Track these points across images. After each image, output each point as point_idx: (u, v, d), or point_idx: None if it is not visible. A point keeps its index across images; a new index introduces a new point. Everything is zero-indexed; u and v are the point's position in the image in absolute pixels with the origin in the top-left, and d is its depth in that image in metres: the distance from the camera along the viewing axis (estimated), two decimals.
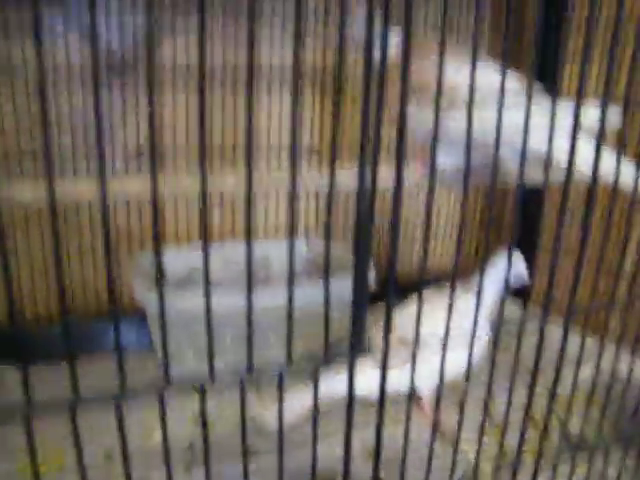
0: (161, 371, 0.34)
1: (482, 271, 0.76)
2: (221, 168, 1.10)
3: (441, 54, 0.36)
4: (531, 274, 0.89)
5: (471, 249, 1.38)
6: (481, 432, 0.50)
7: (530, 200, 1.13)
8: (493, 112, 0.39)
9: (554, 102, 0.40)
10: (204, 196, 0.29)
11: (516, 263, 0.87)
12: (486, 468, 0.73)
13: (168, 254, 1.07)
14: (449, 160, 0.68)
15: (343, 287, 0.48)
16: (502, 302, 0.49)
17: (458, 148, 0.63)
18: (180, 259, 1.07)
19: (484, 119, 0.48)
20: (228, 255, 1.07)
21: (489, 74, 0.60)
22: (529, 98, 0.39)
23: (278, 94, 1.12)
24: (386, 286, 0.36)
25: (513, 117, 0.40)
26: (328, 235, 0.35)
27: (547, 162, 0.41)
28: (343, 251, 1.07)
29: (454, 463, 0.49)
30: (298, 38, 0.29)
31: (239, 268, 1.07)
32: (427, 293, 0.76)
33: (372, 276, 0.97)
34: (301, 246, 1.19)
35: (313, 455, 0.40)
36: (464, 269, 0.92)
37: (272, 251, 1.14)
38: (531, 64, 0.37)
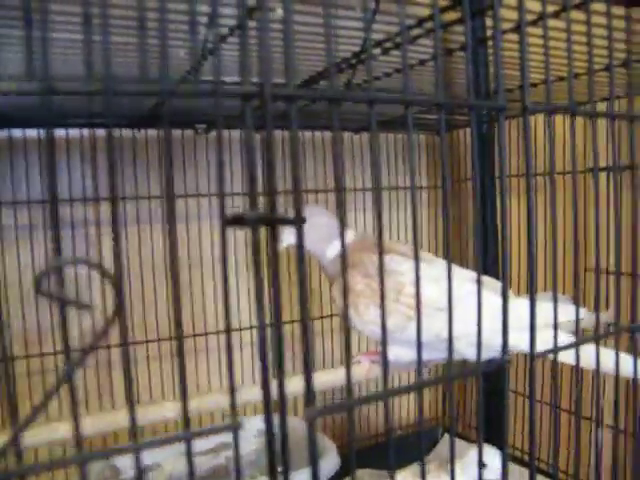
0: None
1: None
2: None
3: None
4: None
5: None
6: None
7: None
8: (458, 309, 0.39)
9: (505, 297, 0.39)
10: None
11: (489, 458, 0.77)
12: None
13: None
14: (407, 354, 0.71)
15: None
16: None
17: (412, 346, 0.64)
18: None
19: (442, 319, 0.50)
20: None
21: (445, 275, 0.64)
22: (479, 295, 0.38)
23: None
24: None
25: (470, 315, 0.40)
26: None
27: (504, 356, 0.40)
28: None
29: None
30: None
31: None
32: (401, 476, 0.78)
33: None
34: None
35: None
36: None
37: None
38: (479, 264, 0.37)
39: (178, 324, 0.27)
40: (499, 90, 0.33)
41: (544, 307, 0.44)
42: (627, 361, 0.50)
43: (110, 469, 0.90)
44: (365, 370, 0.75)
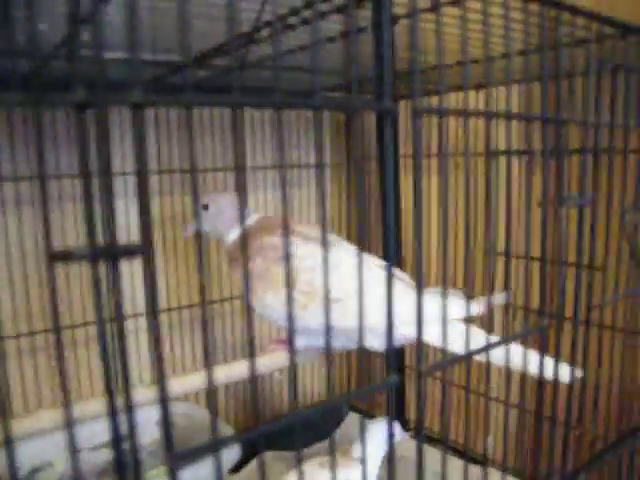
0: None
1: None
2: None
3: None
4: None
5: None
6: None
7: None
8: (353, 300, 0.37)
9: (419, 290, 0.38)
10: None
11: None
12: None
13: None
14: (311, 342, 0.70)
15: None
16: None
17: (317, 334, 0.65)
18: None
19: (344, 309, 0.49)
20: None
21: (345, 257, 0.65)
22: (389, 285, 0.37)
23: None
24: None
25: (375, 304, 0.38)
26: None
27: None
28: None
29: None
30: None
31: None
32: (309, 466, 0.79)
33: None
34: None
35: None
36: None
37: None
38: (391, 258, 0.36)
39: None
40: (385, 92, 0.32)
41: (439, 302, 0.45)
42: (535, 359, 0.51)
43: None
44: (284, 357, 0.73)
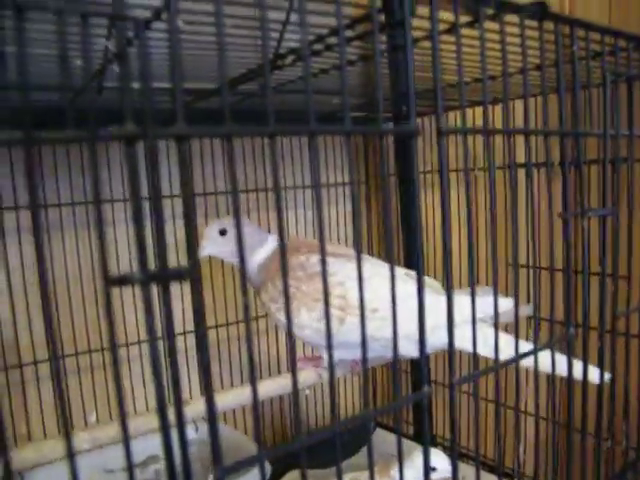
0: None
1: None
2: None
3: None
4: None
5: None
6: None
7: None
8: (387, 312, 0.38)
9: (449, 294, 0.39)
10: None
11: (437, 460, 0.79)
12: None
13: None
14: (342, 356, 0.70)
15: None
16: None
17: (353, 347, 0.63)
18: None
19: (379, 319, 0.49)
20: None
21: (378, 273, 0.64)
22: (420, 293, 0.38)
23: None
24: None
25: (408, 313, 0.39)
26: None
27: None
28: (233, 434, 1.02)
29: None
30: None
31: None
32: None
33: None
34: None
35: None
36: None
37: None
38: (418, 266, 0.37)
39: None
40: (410, 115, 0.33)
41: (479, 302, 0.45)
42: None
43: None
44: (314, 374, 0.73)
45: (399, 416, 0.37)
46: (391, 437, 1.15)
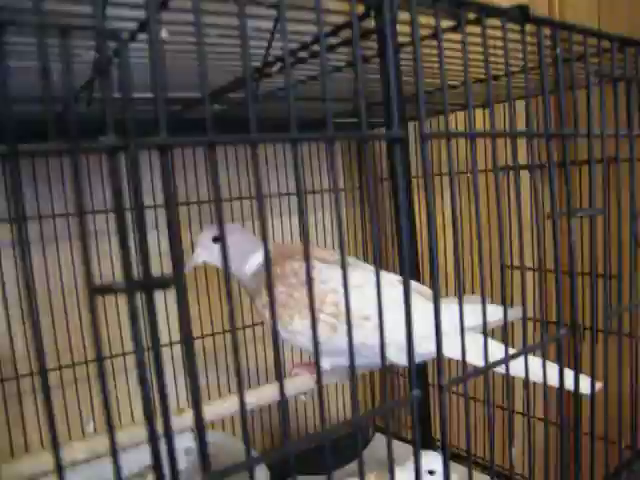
0: None
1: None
2: None
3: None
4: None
5: None
6: None
7: None
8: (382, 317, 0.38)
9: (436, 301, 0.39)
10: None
11: (436, 463, 0.78)
12: None
13: None
14: (337, 362, 0.71)
15: None
16: None
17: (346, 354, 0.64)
18: None
19: (374, 326, 0.49)
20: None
21: (371, 280, 0.63)
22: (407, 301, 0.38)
23: None
24: None
25: (398, 320, 0.40)
26: None
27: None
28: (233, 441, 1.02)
29: None
30: None
31: None
32: None
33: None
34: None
35: None
36: None
37: None
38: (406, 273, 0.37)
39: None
40: (392, 120, 0.33)
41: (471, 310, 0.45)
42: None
43: None
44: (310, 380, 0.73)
45: (388, 419, 0.37)
46: (396, 444, 1.15)
